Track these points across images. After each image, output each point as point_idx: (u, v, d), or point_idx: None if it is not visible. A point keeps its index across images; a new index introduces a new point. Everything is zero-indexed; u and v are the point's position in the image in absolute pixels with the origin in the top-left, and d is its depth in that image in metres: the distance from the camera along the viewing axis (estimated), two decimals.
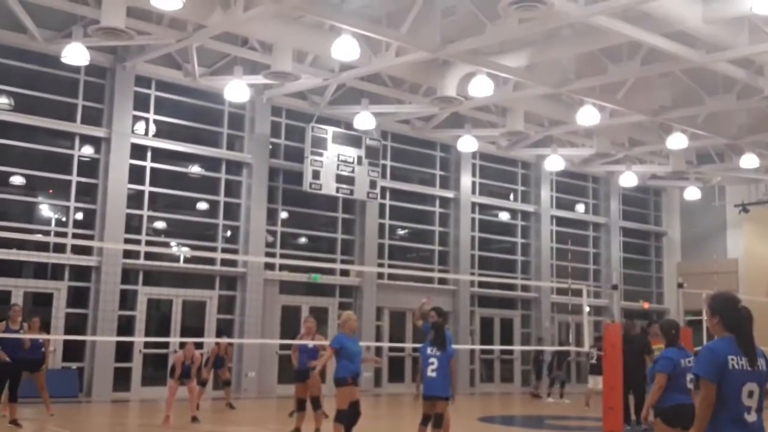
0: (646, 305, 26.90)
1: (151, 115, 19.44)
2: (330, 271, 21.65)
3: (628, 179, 26.15)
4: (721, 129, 21.82)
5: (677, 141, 21.26)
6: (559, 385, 21.38)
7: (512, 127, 20.62)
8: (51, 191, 18.67)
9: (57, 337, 16.81)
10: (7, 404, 12.34)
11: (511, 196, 26.83)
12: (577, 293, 17.54)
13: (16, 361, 12.15)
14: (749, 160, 23.11)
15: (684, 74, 18.72)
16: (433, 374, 9.51)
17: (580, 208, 28.81)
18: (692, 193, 27.60)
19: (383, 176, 22.80)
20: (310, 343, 11.98)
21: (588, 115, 19.15)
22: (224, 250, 20.28)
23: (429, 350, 9.63)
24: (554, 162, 24.49)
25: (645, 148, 24.40)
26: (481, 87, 17.10)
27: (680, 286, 16.72)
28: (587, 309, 16.41)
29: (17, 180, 18.14)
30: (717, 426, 4.49)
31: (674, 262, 30.24)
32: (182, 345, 18.77)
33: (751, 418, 4.51)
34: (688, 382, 7.26)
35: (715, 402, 4.52)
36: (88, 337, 17.61)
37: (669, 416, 7.23)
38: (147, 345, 18.46)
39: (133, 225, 18.91)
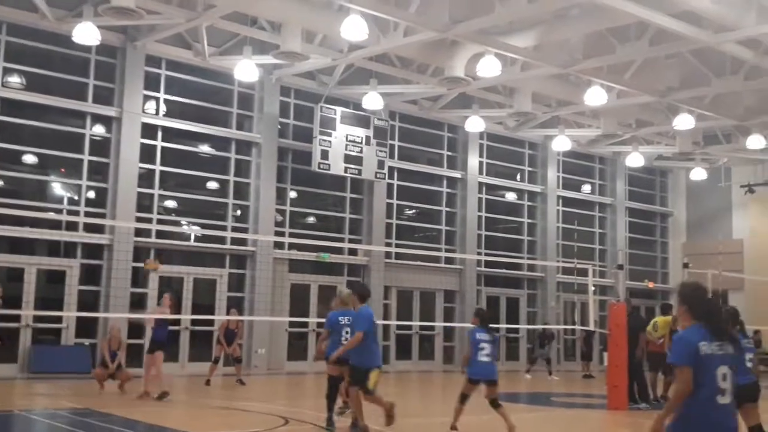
0: (651, 285, 27.08)
1: (162, 95, 19.59)
2: (338, 250, 21.85)
3: (635, 160, 26.26)
4: (728, 110, 21.87)
5: (684, 122, 21.32)
6: (546, 363, 21.73)
7: (520, 108, 20.71)
8: (63, 170, 18.88)
9: (70, 314, 17.12)
10: None
11: (518, 177, 26.96)
12: (583, 273, 17.68)
13: None
14: (756, 141, 23.18)
15: (691, 55, 18.79)
16: (487, 359, 9.95)
17: (587, 188, 28.92)
18: (698, 174, 27.71)
19: (391, 156, 22.94)
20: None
21: (595, 96, 19.24)
22: (234, 229, 20.50)
23: (478, 335, 10.01)
24: (561, 142, 24.60)
25: (652, 128, 24.47)
26: (489, 67, 17.18)
27: (686, 266, 16.91)
28: (593, 288, 16.53)
29: (30, 159, 18.36)
30: (691, 408, 4.60)
31: (680, 242, 30.39)
32: (193, 322, 19.15)
33: (724, 400, 4.63)
34: (747, 361, 7.98)
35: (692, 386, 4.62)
36: (100, 314, 17.88)
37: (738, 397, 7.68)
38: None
39: (144, 204, 19.12)
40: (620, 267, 16.16)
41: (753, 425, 8.07)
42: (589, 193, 28.88)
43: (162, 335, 13.71)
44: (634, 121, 24.40)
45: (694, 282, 5.03)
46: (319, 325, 21.35)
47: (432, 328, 23.94)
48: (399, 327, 23.09)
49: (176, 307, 14.95)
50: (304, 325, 21.16)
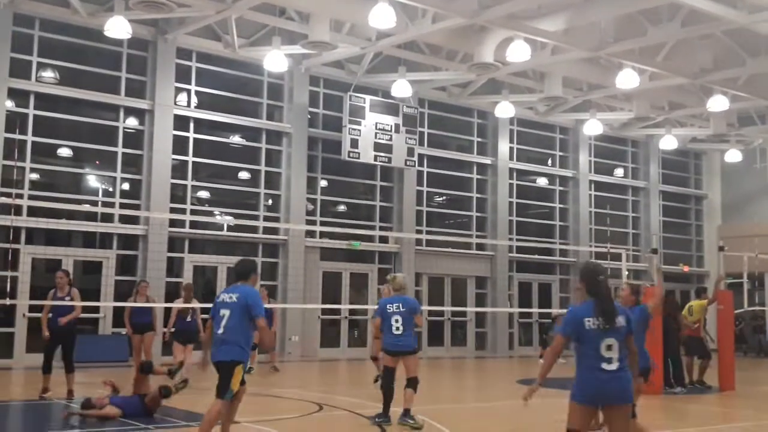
0: (686, 269, 26.79)
1: (193, 87, 19.78)
2: (369, 238, 21.93)
3: (668, 142, 25.96)
4: (763, 91, 21.51)
5: (718, 103, 21.02)
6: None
7: (550, 92, 20.57)
8: (98, 162, 19.16)
9: (107, 304, 17.38)
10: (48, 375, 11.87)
11: (549, 162, 26.79)
12: (617, 257, 17.57)
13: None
14: None
15: (725, 35, 18.49)
16: None
17: (619, 172, 28.65)
18: (733, 156, 27.30)
19: (421, 143, 22.92)
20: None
21: (627, 79, 19.02)
22: (266, 218, 20.68)
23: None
24: (593, 126, 24.39)
25: (685, 111, 24.15)
26: (519, 52, 17.05)
27: (721, 249, 16.69)
28: (626, 273, 16.43)
29: (65, 152, 18.66)
30: (580, 372, 5.46)
31: (714, 225, 29.99)
32: None
33: (610, 366, 5.36)
34: None
35: (577, 355, 5.47)
36: (136, 304, 18.08)
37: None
38: None
39: (177, 194, 19.37)
40: (654, 251, 16.03)
41: None
42: (621, 177, 28.62)
43: (181, 325, 13.87)
44: (666, 104, 24.10)
45: (591, 263, 5.87)
46: (351, 312, 21.60)
47: (464, 314, 23.98)
48: (431, 313, 23.11)
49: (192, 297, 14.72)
50: (336, 312, 21.31)
